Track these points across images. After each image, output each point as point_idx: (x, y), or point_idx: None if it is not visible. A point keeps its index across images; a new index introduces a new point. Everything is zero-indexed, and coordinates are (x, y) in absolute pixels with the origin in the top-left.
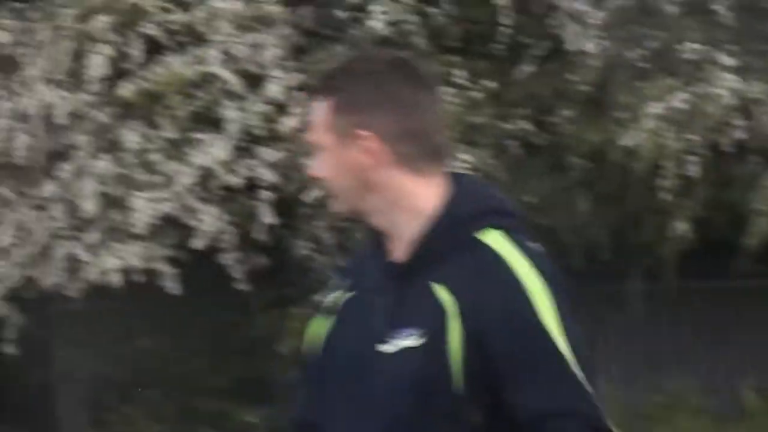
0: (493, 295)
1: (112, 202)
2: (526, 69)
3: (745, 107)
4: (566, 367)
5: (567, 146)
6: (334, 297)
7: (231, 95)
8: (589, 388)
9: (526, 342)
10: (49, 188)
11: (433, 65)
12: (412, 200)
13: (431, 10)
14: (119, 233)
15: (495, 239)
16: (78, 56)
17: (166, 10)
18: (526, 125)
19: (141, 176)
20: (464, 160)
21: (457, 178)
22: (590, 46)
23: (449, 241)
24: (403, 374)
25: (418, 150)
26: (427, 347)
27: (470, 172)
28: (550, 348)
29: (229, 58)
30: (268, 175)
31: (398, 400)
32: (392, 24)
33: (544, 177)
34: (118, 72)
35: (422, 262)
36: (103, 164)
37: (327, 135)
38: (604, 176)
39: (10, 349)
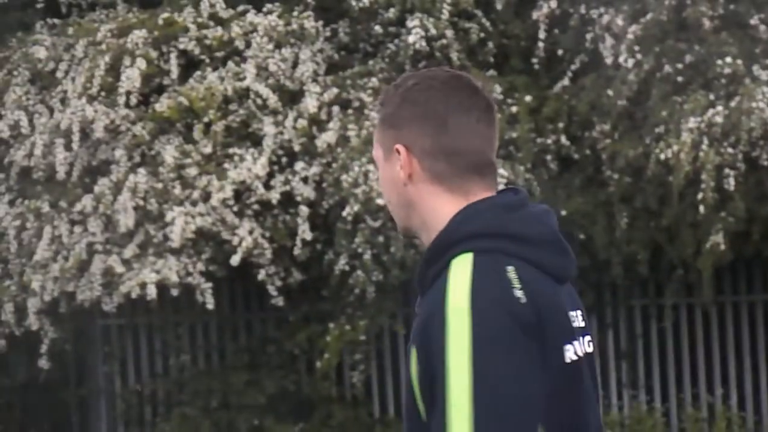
0: (423, 324)
1: (148, 217)
2: (563, 83)
3: None
4: (448, 410)
5: (604, 160)
6: None
7: (267, 110)
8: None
9: (431, 375)
10: (86, 202)
11: (491, 87)
12: (439, 218)
13: (468, 25)
14: (156, 247)
15: (459, 264)
16: (115, 71)
17: (202, 26)
18: (563, 139)
19: (177, 191)
20: (501, 174)
21: (497, 195)
22: (627, 61)
23: (433, 265)
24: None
25: (453, 168)
26: (407, 375)
27: (518, 187)
28: (443, 386)
29: (265, 73)
30: (304, 190)
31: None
32: (429, 39)
33: (581, 191)
34: (155, 87)
35: (421, 287)
36: (140, 178)
37: (377, 150)
38: (641, 190)
39: (43, 363)
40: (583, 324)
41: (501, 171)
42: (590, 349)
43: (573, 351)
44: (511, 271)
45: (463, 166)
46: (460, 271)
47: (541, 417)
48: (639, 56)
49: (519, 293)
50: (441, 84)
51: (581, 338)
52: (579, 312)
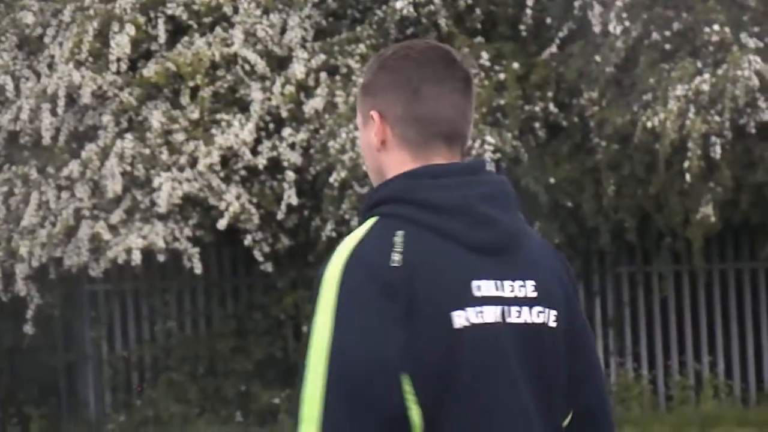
0: (314, 288)
1: (135, 182)
2: (551, 50)
3: None
4: (307, 369)
5: (592, 128)
6: None
7: (255, 76)
8: (317, 393)
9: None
10: (73, 168)
11: (461, 49)
12: None
13: None
14: (143, 213)
15: (359, 228)
16: (103, 37)
17: None
18: (551, 107)
19: (165, 156)
20: (489, 141)
21: (438, 163)
22: (615, 28)
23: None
24: None
25: (422, 136)
26: None
27: (481, 158)
28: (308, 346)
29: (253, 39)
30: (292, 156)
31: None
32: (416, 5)
33: (569, 158)
34: (143, 52)
35: None
36: (127, 144)
37: (358, 117)
38: (628, 158)
39: (29, 328)
40: (533, 294)
41: (488, 138)
42: (539, 320)
43: (465, 317)
44: (398, 236)
45: (432, 134)
46: (354, 235)
47: (398, 371)
48: (627, 23)
49: (396, 257)
50: (417, 53)
51: (523, 308)
52: (529, 282)
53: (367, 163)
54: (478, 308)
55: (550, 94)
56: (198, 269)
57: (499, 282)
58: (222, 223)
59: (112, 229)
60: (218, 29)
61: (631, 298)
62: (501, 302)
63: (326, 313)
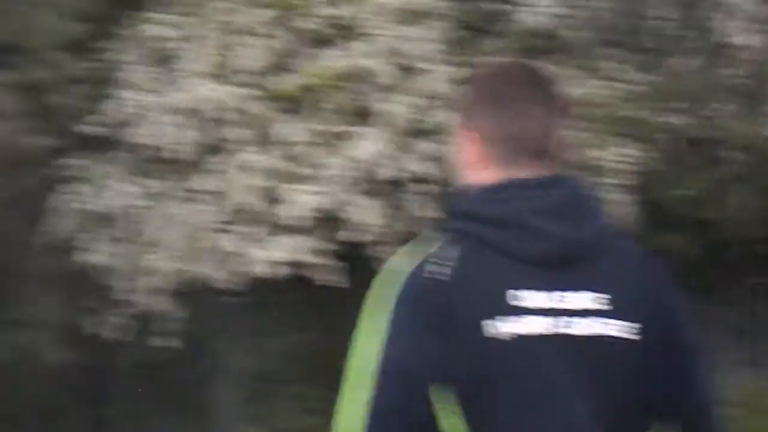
0: None
1: (267, 196)
2: (684, 62)
3: None
4: (345, 382)
5: (723, 139)
6: None
7: (388, 88)
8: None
9: None
10: (204, 182)
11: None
12: None
13: (587, 3)
14: (275, 227)
15: (423, 239)
16: (232, 50)
17: (321, 4)
18: (684, 118)
19: (296, 169)
20: (621, 153)
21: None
22: (747, 39)
23: None
24: None
25: (511, 153)
26: None
27: (560, 174)
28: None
29: (386, 52)
30: (427, 168)
31: None
32: (553, 17)
33: (701, 170)
34: (272, 65)
35: None
36: (259, 157)
37: (454, 135)
38: (760, 169)
39: (173, 343)
40: (599, 306)
41: (622, 150)
42: (602, 332)
43: (499, 327)
44: (446, 248)
45: (519, 151)
46: (408, 246)
47: (428, 381)
48: (760, 35)
49: (432, 267)
50: (506, 73)
51: (583, 320)
52: (595, 294)
53: (459, 179)
54: (517, 318)
55: (682, 105)
56: (342, 284)
57: (550, 293)
58: (357, 237)
59: (243, 242)
60: (351, 42)
61: (762, 309)
62: (550, 313)
63: (366, 321)
